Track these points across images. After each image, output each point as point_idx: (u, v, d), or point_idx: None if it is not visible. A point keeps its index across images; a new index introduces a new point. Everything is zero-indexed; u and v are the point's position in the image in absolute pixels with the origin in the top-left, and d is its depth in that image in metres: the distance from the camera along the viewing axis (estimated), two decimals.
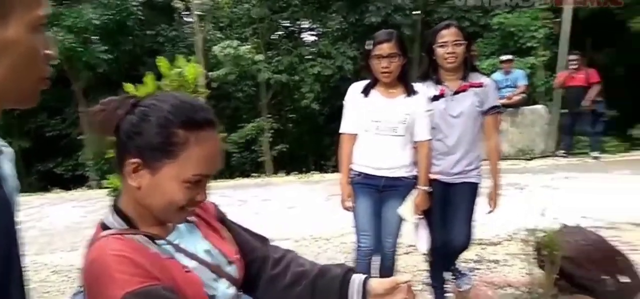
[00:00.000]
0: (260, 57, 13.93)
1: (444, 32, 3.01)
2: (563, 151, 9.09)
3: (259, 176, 10.20)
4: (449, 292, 3.36)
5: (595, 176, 7.06)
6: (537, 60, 11.45)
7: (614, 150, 9.75)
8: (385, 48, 2.91)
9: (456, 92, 3.06)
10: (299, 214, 6.08)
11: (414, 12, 14.82)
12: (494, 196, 3.14)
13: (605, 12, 11.40)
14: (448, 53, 2.99)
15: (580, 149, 9.46)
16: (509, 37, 12.04)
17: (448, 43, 2.99)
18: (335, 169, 6.72)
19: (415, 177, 3.02)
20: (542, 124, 9.54)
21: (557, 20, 11.69)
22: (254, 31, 15.51)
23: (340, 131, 3.09)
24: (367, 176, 3.01)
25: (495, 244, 4.65)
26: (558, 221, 3.08)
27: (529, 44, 11.72)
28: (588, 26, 11.39)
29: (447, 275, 3.32)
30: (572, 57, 9.17)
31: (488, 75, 9.03)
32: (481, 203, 3.15)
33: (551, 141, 9.71)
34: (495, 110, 3.10)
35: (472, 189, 3.11)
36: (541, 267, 2.92)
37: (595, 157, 8.54)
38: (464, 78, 3.07)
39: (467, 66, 3.08)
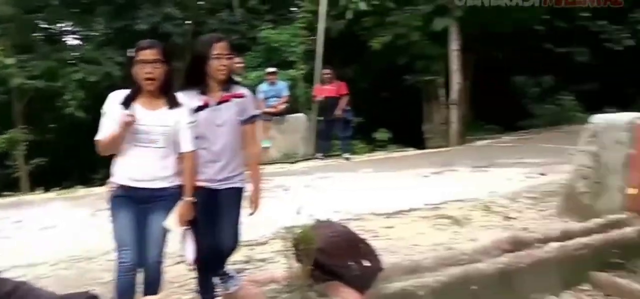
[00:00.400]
0: (10, 60, 12.13)
1: (217, 45, 3.04)
2: (321, 154, 9.98)
3: (12, 195, 8.84)
4: (218, 296, 3.37)
5: (346, 175, 7.88)
6: (297, 73, 12.35)
7: (362, 151, 11.07)
8: (149, 54, 2.83)
9: (220, 103, 3.10)
10: (58, 235, 5.42)
11: (186, 22, 14.63)
12: (255, 199, 3.27)
13: (351, 33, 12.89)
14: (222, 65, 3.03)
15: (335, 152, 10.51)
16: (273, 51, 12.76)
17: (222, 56, 3.03)
18: (103, 182, 6.24)
19: (180, 187, 2.97)
20: (303, 131, 10.35)
21: (313, 37, 12.83)
22: (4, 31, 13.44)
23: (96, 138, 2.90)
24: (127, 188, 2.86)
25: (262, 244, 4.83)
26: (313, 217, 3.34)
27: (290, 58, 12.59)
28: (338, 44, 12.70)
29: (216, 280, 3.33)
30: (325, 71, 10.21)
31: (255, 86, 9.52)
32: (245, 206, 3.26)
33: (311, 145, 10.56)
34: (253, 119, 3.24)
35: (237, 194, 3.19)
36: (299, 261, 3.13)
37: (347, 158, 9.59)
38: (227, 89, 3.13)
39: (231, 80, 3.16)
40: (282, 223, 4.76)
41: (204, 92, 3.09)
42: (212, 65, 3.03)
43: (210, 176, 3.09)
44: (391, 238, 4.91)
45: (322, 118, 10.11)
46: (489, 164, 8.21)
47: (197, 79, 3.11)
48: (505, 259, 3.87)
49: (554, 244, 4.09)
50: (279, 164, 9.41)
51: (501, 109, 14.97)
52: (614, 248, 4.17)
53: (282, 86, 10.18)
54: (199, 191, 3.04)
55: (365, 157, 10.25)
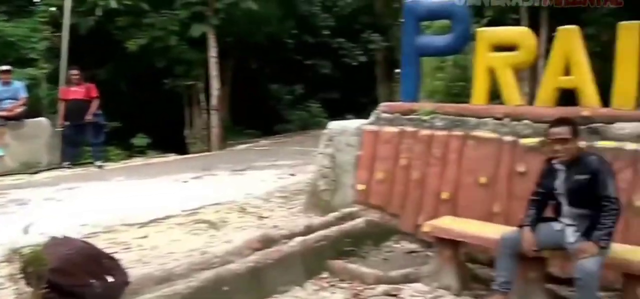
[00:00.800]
0: None
1: None
2: (68, 163, 8.98)
3: None
4: None
5: (97, 184, 7.26)
6: (38, 72, 10.90)
7: (117, 158, 10.34)
8: None
9: None
10: None
11: None
12: None
13: (104, 32, 11.98)
14: None
15: (86, 160, 9.59)
16: (9, 46, 10.96)
17: None
18: None
19: None
20: (46, 137, 9.17)
21: (58, 34, 11.50)
22: None
23: None
24: None
25: None
26: (46, 234, 2.98)
27: (30, 56, 11.02)
28: (88, 43, 11.66)
29: None
30: (73, 71, 9.22)
31: None
32: None
33: (57, 153, 9.43)
34: None
35: None
36: (30, 284, 2.76)
37: (99, 167, 8.82)
38: None
39: None
40: (11, 243, 4.17)
41: None
42: None
43: None
44: (145, 248, 4.70)
45: (68, 123, 9.07)
46: (247, 167, 8.54)
47: None
48: (255, 257, 4.07)
49: (298, 239, 4.47)
50: (16, 176, 8.17)
51: (259, 115, 15.81)
52: (347, 238, 4.77)
53: (19, 86, 8.87)
54: None
55: (121, 164, 9.60)
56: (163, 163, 9.51)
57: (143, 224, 5.27)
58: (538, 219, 3.44)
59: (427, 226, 4.19)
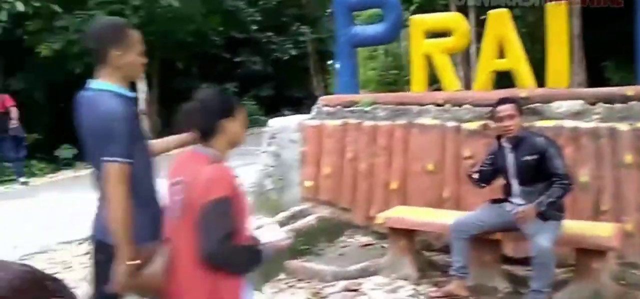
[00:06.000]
0: None
1: None
2: None
3: None
4: None
5: (24, 202, 6.81)
6: None
7: (42, 173, 9.73)
8: None
9: None
10: None
11: None
12: None
13: (14, 37, 11.20)
14: None
15: (7, 177, 8.96)
16: None
17: None
18: None
19: None
20: None
21: None
22: None
23: None
24: None
25: None
26: None
27: None
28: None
29: None
30: None
31: None
32: None
33: None
34: None
35: None
36: None
37: (24, 183, 8.26)
38: None
39: None
40: None
41: None
42: None
43: None
44: (87, 265, 4.45)
45: None
46: None
47: None
48: None
49: None
50: None
51: None
52: (301, 237, 4.77)
53: None
54: None
55: (47, 178, 9.04)
56: None
57: (82, 241, 5.01)
58: (487, 179, 3.58)
59: (380, 218, 4.27)
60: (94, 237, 2.31)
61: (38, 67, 11.86)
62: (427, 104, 5.02)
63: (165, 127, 13.87)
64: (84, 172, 9.45)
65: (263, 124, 16.40)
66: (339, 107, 5.44)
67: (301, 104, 20.41)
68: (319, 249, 4.84)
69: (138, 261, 2.03)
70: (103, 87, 2.17)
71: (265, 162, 5.79)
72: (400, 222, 4.16)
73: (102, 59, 2.20)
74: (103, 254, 2.16)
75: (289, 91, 19.97)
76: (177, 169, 2.09)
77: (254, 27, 17.13)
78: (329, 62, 23.81)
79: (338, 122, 5.34)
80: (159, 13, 12.05)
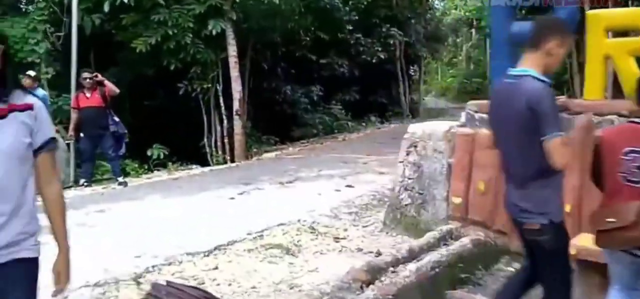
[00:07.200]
0: None
1: None
2: (85, 181, 8.38)
3: None
4: None
5: (130, 205, 6.72)
6: (42, 77, 10.33)
7: (136, 173, 9.77)
8: None
9: None
10: None
11: None
12: (64, 269, 2.18)
13: (107, 31, 11.44)
14: None
15: (102, 176, 9.02)
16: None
17: None
18: None
19: None
20: (60, 152, 8.58)
21: (60, 34, 10.94)
22: None
23: None
24: None
25: None
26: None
27: (30, 59, 10.42)
28: (90, 44, 11.11)
29: None
30: (85, 74, 8.58)
31: None
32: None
33: (68, 170, 8.87)
34: (52, 144, 2.15)
35: (28, 270, 2.08)
36: None
37: (122, 183, 8.22)
38: (1, 99, 2.01)
39: (7, 79, 2.04)
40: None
41: None
42: None
43: None
44: (219, 282, 4.21)
45: (82, 134, 8.45)
46: (294, 179, 8.04)
47: None
48: (371, 293, 3.59)
49: (411, 267, 3.99)
50: None
51: (274, 120, 15.25)
52: (459, 262, 4.29)
53: (45, 96, 8.39)
54: None
55: (144, 180, 9.02)
56: (192, 177, 8.95)
57: (207, 253, 4.77)
58: None
59: (572, 249, 3.70)
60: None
61: (129, 63, 12.06)
62: (608, 115, 4.42)
63: (255, 130, 13.82)
64: (179, 174, 9.43)
65: (351, 130, 16.24)
66: None
67: (385, 110, 19.98)
68: (477, 278, 4.35)
69: None
70: (527, 73, 2.61)
71: (403, 173, 5.36)
72: (595, 255, 3.58)
73: (536, 44, 2.64)
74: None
75: (373, 95, 19.53)
76: (627, 139, 2.56)
77: (349, 28, 16.79)
78: (413, 67, 23.35)
79: None
80: (256, 10, 11.96)
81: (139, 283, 4.04)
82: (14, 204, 1.99)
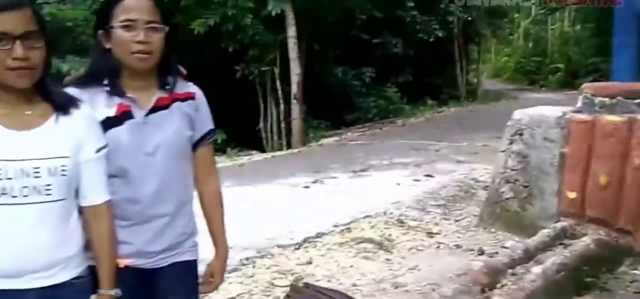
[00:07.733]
0: None
1: (128, 2, 1.71)
2: None
3: None
4: None
5: None
6: None
7: None
8: (8, 21, 1.43)
9: (152, 110, 1.78)
10: None
11: None
12: (219, 271, 2.02)
13: (162, 12, 11.29)
14: (139, 41, 1.69)
15: None
16: (66, 32, 10.39)
17: (138, 22, 1.69)
18: None
19: (92, 273, 1.65)
20: None
21: None
22: None
23: None
24: None
25: None
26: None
27: (91, 42, 10.42)
28: None
29: None
30: None
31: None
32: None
33: None
34: (212, 135, 1.98)
35: (189, 272, 1.93)
36: None
37: None
38: (164, 86, 1.82)
39: (171, 67, 1.86)
40: None
41: (118, 92, 1.75)
42: (119, 37, 1.71)
43: (141, 246, 1.78)
44: (317, 276, 4.00)
45: None
46: (366, 167, 7.77)
47: (103, 66, 1.77)
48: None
49: (536, 270, 3.66)
50: None
51: (327, 103, 14.94)
52: (583, 265, 3.94)
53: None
54: (122, 277, 1.71)
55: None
56: (257, 163, 8.81)
57: (298, 246, 4.57)
58: None
59: None
60: None
61: (185, 45, 11.96)
62: None
63: (307, 114, 13.59)
64: (244, 160, 9.30)
65: (407, 114, 15.77)
66: (619, 98, 4.49)
67: (440, 92, 19.36)
68: (603, 282, 3.98)
69: None
70: None
71: (505, 164, 5.00)
72: None
73: None
74: None
75: (428, 77, 18.95)
76: None
77: (411, 4, 16.17)
78: (472, 46, 22.42)
79: (620, 117, 4.40)
80: None
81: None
82: (177, 203, 1.84)
